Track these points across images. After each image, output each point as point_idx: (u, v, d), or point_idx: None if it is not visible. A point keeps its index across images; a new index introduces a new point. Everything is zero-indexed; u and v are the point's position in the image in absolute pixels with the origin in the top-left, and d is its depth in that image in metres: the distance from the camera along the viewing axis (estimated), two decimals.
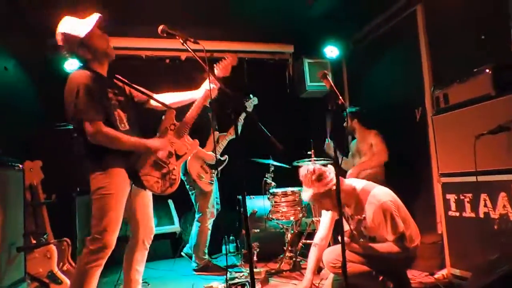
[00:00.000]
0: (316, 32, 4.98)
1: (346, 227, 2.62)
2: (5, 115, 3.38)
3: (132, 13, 4.27)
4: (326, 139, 4.14)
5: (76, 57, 2.48)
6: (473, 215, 2.82)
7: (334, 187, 2.55)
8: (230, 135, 3.98)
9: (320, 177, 2.55)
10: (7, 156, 2.65)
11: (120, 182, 2.39)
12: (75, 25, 2.37)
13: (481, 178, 2.66)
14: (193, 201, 3.97)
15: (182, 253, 4.13)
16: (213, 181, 3.80)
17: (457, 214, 2.98)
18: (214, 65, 2.84)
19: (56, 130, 3.90)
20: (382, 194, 2.58)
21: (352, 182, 2.69)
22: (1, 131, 3.24)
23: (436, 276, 3.15)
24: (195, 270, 3.93)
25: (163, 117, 2.73)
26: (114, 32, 4.66)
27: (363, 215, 2.53)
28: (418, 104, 4.03)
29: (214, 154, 3.80)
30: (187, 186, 3.89)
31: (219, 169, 3.89)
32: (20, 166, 2.79)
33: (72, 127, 2.51)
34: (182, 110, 2.83)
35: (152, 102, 2.74)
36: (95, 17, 2.40)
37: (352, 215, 2.64)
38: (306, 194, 2.60)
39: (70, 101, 2.31)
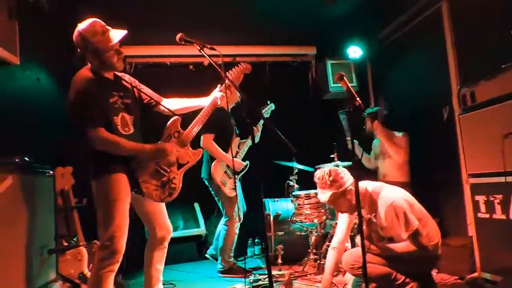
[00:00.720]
0: (338, 32, 4.92)
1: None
2: (37, 124, 3.55)
3: (157, 21, 4.39)
4: (347, 138, 4.04)
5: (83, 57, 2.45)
6: (503, 217, 2.72)
7: (349, 188, 2.55)
8: (250, 141, 3.98)
9: (335, 178, 2.56)
10: (38, 163, 2.77)
11: (123, 187, 2.37)
12: (97, 30, 2.32)
13: (510, 179, 2.55)
14: (220, 206, 4.01)
15: (207, 255, 4.18)
16: (235, 187, 3.82)
17: (487, 216, 2.88)
18: (227, 72, 2.82)
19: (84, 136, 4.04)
20: (392, 192, 2.56)
21: (362, 184, 2.66)
22: (33, 139, 3.40)
23: (465, 280, 3.05)
24: (220, 272, 3.98)
25: (168, 123, 2.70)
26: (138, 40, 4.89)
27: (373, 214, 2.50)
28: (445, 103, 3.91)
29: (238, 160, 3.84)
30: (212, 192, 3.94)
31: (241, 174, 3.92)
32: (51, 172, 2.92)
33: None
34: (188, 116, 2.82)
35: (160, 107, 2.74)
36: (119, 34, 2.36)
37: (365, 220, 2.60)
38: (323, 196, 2.61)
39: (70, 106, 2.31)
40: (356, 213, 2.67)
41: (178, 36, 2.31)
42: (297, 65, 5.56)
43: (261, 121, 3.92)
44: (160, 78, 4.80)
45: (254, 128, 3.90)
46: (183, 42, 2.31)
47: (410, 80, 4.56)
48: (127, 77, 2.64)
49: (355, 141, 4.05)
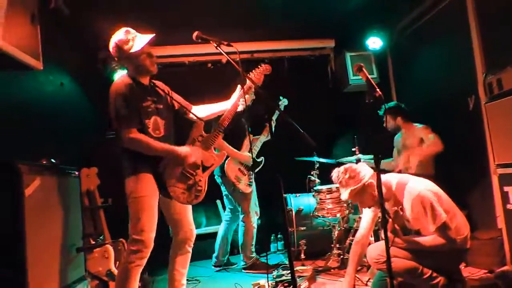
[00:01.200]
0: (357, 24, 4.82)
1: None
2: (62, 127, 3.66)
3: (173, 20, 4.42)
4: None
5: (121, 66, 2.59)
6: None
7: (369, 181, 2.51)
8: (264, 136, 4.04)
9: (351, 175, 2.53)
10: (64, 165, 2.86)
11: (150, 186, 2.51)
12: (128, 39, 2.51)
13: None
14: (227, 203, 4.15)
15: (213, 265, 4.25)
16: (251, 183, 3.88)
17: None
18: (248, 74, 2.88)
19: (108, 138, 4.15)
20: (418, 184, 2.49)
21: (386, 177, 2.61)
22: (60, 141, 3.51)
23: (495, 273, 2.96)
24: (243, 268, 4.03)
25: (192, 128, 2.82)
26: (155, 41, 4.95)
27: (400, 206, 2.45)
28: (471, 92, 3.78)
29: (251, 155, 3.90)
30: (224, 190, 4.03)
31: (256, 170, 3.98)
32: (77, 173, 3.01)
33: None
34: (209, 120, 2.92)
35: (190, 113, 2.86)
36: (148, 37, 2.53)
37: (391, 212, 2.55)
38: (344, 194, 2.58)
39: (110, 108, 2.52)
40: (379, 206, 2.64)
41: (195, 34, 2.31)
42: (316, 59, 5.48)
43: (275, 116, 3.97)
44: (179, 77, 4.84)
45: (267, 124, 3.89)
46: (199, 40, 2.32)
47: (432, 70, 4.44)
48: (160, 84, 2.79)
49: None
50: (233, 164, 3.87)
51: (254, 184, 4.04)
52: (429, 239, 2.41)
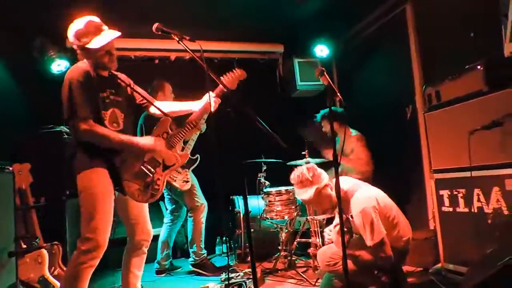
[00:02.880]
0: (306, 31, 4.98)
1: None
2: None
3: (124, 13, 4.20)
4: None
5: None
6: (466, 210, 2.86)
7: (328, 183, 2.57)
8: (196, 134, 3.98)
9: (315, 173, 2.55)
10: None
11: (106, 181, 2.37)
12: (88, 31, 2.32)
13: (475, 174, 2.69)
14: (168, 205, 4.12)
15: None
16: (188, 179, 3.85)
17: (451, 209, 3.01)
18: (222, 76, 2.79)
19: (43, 133, 3.82)
20: (364, 198, 2.52)
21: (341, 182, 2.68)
22: None
23: (430, 271, 3.18)
24: (192, 265, 3.95)
25: (157, 123, 2.69)
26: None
27: (350, 214, 2.51)
28: (408, 101, 4.07)
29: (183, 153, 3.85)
30: (164, 190, 3.93)
31: (191, 168, 3.97)
32: (10, 168, 2.72)
33: (59, 129, 2.47)
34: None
35: (151, 108, 2.71)
36: (110, 35, 2.35)
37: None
38: (306, 194, 2.56)
39: (64, 97, 2.32)
40: (336, 211, 2.70)
41: (155, 26, 2.20)
42: (265, 62, 5.56)
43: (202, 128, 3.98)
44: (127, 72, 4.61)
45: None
46: (160, 33, 2.21)
47: (374, 79, 4.71)
48: (122, 76, 2.63)
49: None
50: None
51: (195, 179, 4.01)
52: (368, 254, 2.49)
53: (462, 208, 2.91)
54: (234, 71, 2.90)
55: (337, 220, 2.63)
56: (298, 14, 4.68)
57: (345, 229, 2.61)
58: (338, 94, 2.11)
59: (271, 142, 1.88)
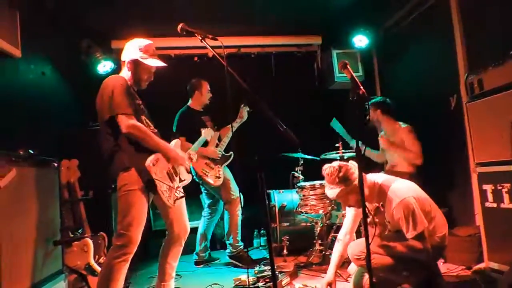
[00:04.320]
0: (344, 21, 4.86)
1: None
2: (44, 117, 3.58)
3: (159, 12, 4.37)
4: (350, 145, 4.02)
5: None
6: (511, 206, 2.67)
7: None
8: (231, 131, 4.07)
9: (346, 174, 2.49)
10: (43, 155, 2.79)
11: (140, 179, 2.46)
12: (147, 51, 2.66)
13: None
14: (205, 199, 4.26)
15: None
16: (219, 175, 3.96)
17: (495, 205, 2.84)
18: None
19: (91, 129, 4.08)
20: (402, 189, 2.47)
21: (372, 177, 2.61)
22: (40, 132, 3.43)
23: (473, 269, 3.02)
24: (229, 256, 4.06)
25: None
26: (140, 32, 4.86)
27: (381, 203, 2.45)
28: (453, 91, 3.84)
29: (218, 150, 4.04)
30: (201, 187, 4.16)
31: (224, 164, 4.08)
32: (56, 164, 2.94)
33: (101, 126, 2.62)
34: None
35: None
36: (159, 63, 2.70)
37: (372, 210, 2.57)
38: (331, 192, 2.54)
39: (106, 97, 2.49)
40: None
41: (180, 26, 2.28)
42: (303, 55, 5.50)
43: (246, 109, 4.05)
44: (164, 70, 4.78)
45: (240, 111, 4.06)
46: (184, 33, 2.28)
47: (416, 69, 4.49)
48: None
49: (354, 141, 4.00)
50: (199, 159, 3.92)
51: (230, 174, 4.12)
52: (404, 246, 2.41)
53: (507, 204, 2.73)
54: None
55: None
56: (336, 4, 4.57)
57: (376, 220, 2.57)
58: (361, 87, 2.04)
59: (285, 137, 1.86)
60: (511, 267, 2.43)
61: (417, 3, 4.26)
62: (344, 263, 3.44)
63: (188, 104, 4.21)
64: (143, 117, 2.65)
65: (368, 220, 2.57)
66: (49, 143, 3.43)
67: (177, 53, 5.15)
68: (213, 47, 2.25)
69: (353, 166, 2.55)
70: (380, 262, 2.42)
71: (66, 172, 3.29)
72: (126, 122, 2.44)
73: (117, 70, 4.56)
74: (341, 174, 2.49)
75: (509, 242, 2.70)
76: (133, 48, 2.67)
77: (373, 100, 3.99)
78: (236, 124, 4.07)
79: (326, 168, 2.59)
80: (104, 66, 4.61)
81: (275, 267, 3.26)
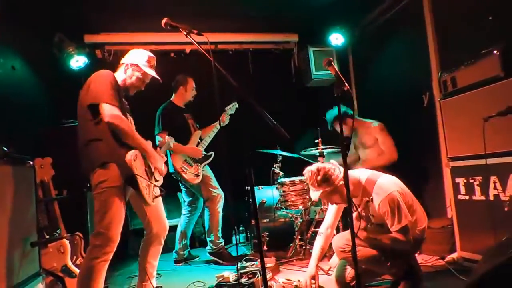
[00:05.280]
0: (320, 20, 4.93)
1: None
2: (14, 114, 3.42)
3: (137, 7, 4.27)
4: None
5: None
6: (483, 198, 2.82)
7: (341, 183, 2.53)
8: (213, 132, 4.14)
9: (326, 176, 2.52)
10: (17, 154, 2.67)
11: (119, 176, 2.42)
12: (149, 62, 2.76)
13: (491, 161, 2.64)
14: (185, 197, 4.23)
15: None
16: (198, 174, 3.95)
17: (467, 197, 2.98)
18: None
19: (64, 127, 3.95)
20: (388, 183, 2.53)
21: (356, 173, 2.66)
22: (11, 129, 3.28)
23: (446, 260, 3.15)
24: (210, 254, 4.04)
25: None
26: (118, 27, 4.75)
27: (371, 197, 2.50)
28: (425, 88, 3.99)
29: (195, 148, 4.03)
30: (181, 184, 4.15)
31: (204, 163, 4.07)
32: (31, 162, 2.82)
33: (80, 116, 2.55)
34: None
35: None
36: (154, 74, 2.79)
37: (359, 205, 2.63)
38: (315, 194, 2.57)
39: (93, 86, 2.48)
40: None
41: (164, 21, 2.23)
42: (280, 53, 5.53)
43: (230, 111, 4.10)
44: None
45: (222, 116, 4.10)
46: (168, 27, 2.24)
47: (390, 67, 4.63)
48: None
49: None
50: (178, 156, 3.97)
51: (210, 171, 4.12)
52: (389, 238, 2.47)
53: (478, 196, 2.87)
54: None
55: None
56: (313, 3, 4.62)
57: (363, 214, 2.63)
58: (346, 84, 2.09)
59: (275, 132, 1.88)
60: (484, 256, 2.55)
61: (392, 3, 4.38)
62: (324, 256, 3.53)
63: (171, 99, 4.17)
64: (128, 116, 2.63)
65: (355, 214, 2.63)
66: (21, 141, 3.29)
67: (153, 49, 5.04)
68: (199, 43, 2.21)
69: (332, 166, 2.59)
70: (364, 254, 2.48)
71: (40, 171, 3.17)
72: (110, 111, 2.40)
73: (90, 65, 4.48)
74: (320, 176, 2.52)
75: (480, 232, 2.85)
76: (138, 55, 2.74)
77: (331, 118, 4.03)
78: (215, 129, 4.11)
79: (306, 173, 2.62)
80: (77, 61, 4.46)
81: (255, 264, 3.31)
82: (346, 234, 2.67)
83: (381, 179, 2.56)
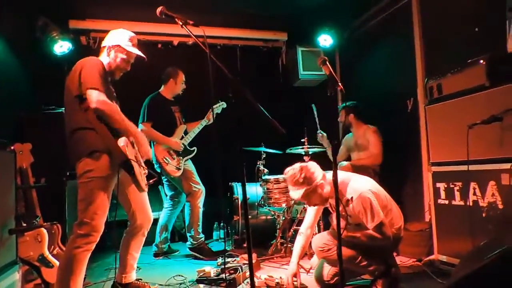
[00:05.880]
0: (310, 20, 4.96)
1: None
2: None
3: None
4: (318, 131, 4.13)
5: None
6: (462, 203, 2.89)
7: (320, 182, 2.58)
8: (198, 128, 4.12)
9: (307, 175, 2.55)
10: None
11: (108, 166, 2.40)
12: (131, 41, 2.68)
13: (472, 168, 2.71)
14: (167, 190, 4.19)
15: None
16: (180, 167, 3.93)
17: (447, 202, 3.05)
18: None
19: (45, 113, 3.84)
20: (359, 184, 2.59)
21: (331, 175, 2.71)
22: None
23: (423, 261, 3.23)
24: (190, 249, 4.01)
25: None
26: (105, 14, 4.64)
27: (351, 196, 2.53)
28: (410, 94, 4.07)
29: (181, 143, 4.00)
30: (162, 177, 4.08)
31: (186, 158, 4.05)
32: (12, 147, 2.73)
33: (61, 110, 2.52)
34: None
35: None
36: (140, 53, 2.71)
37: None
38: (296, 193, 2.59)
39: (79, 72, 2.41)
40: (325, 204, 2.74)
41: (159, 9, 2.19)
42: (268, 51, 5.54)
43: (216, 110, 4.12)
44: None
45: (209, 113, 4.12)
46: (163, 16, 2.20)
47: (377, 71, 4.69)
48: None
49: (322, 132, 4.13)
50: (161, 148, 3.95)
51: (192, 166, 4.08)
52: (367, 235, 2.51)
53: (457, 201, 2.94)
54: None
55: None
56: (303, 3, 4.64)
57: (343, 214, 2.66)
58: (340, 84, 2.11)
59: (270, 127, 1.88)
60: (461, 261, 2.63)
61: (381, 8, 4.45)
62: (305, 255, 3.56)
63: (160, 90, 4.11)
64: (114, 102, 2.57)
65: (334, 214, 2.66)
66: (0, 126, 3.18)
67: (140, 39, 4.93)
68: (191, 33, 2.19)
69: (313, 166, 2.64)
70: (344, 253, 2.50)
71: (19, 157, 3.07)
72: (97, 97, 2.35)
73: (74, 52, 4.36)
74: (302, 175, 2.55)
75: (458, 236, 2.92)
76: (119, 36, 2.65)
77: (347, 104, 4.12)
78: (200, 126, 4.10)
79: (288, 171, 2.65)
80: (61, 47, 4.33)
81: (237, 259, 3.31)
82: (326, 234, 2.72)
83: (353, 180, 2.62)
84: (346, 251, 2.56)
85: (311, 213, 2.93)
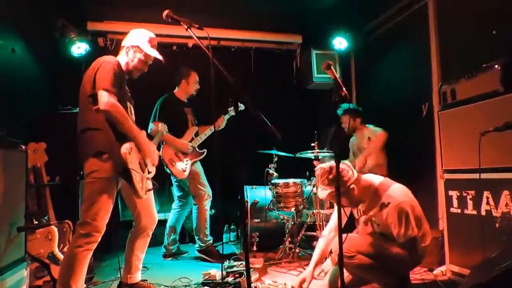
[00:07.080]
0: (325, 23, 4.93)
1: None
2: (11, 97, 3.40)
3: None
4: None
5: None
6: (475, 212, 2.80)
7: (352, 186, 2.49)
8: (210, 130, 4.09)
9: (335, 176, 2.48)
10: (11, 137, 2.65)
11: (112, 168, 2.41)
12: (150, 42, 2.70)
13: (485, 176, 2.62)
14: (176, 191, 4.19)
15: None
16: (186, 169, 3.92)
17: (459, 211, 2.96)
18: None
19: (62, 113, 3.93)
20: (399, 193, 2.49)
21: (369, 177, 2.61)
22: (7, 112, 3.26)
23: (435, 272, 3.14)
24: (198, 251, 4.02)
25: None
26: (121, 16, 4.72)
27: (387, 201, 2.43)
28: (425, 99, 3.98)
29: (191, 145, 3.98)
30: (172, 177, 4.09)
31: (196, 159, 4.03)
32: (23, 147, 2.80)
33: (77, 110, 2.56)
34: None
35: None
36: (159, 56, 2.71)
37: (364, 211, 2.59)
38: (323, 193, 2.52)
39: (95, 71, 2.44)
40: (358, 206, 2.65)
41: (165, 13, 2.22)
42: (282, 53, 5.52)
43: (229, 114, 4.09)
44: None
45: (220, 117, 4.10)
46: (169, 20, 2.23)
47: (392, 74, 4.61)
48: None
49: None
50: (169, 149, 3.94)
51: (201, 168, 4.07)
52: (396, 251, 2.41)
53: (470, 210, 2.85)
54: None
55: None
56: (318, 5, 4.61)
57: (373, 220, 2.59)
58: (344, 89, 2.07)
59: (268, 133, 1.86)
60: (472, 270, 2.54)
61: (397, 11, 4.36)
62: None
63: (173, 91, 4.14)
64: (128, 104, 2.62)
65: (363, 218, 2.61)
66: (16, 125, 3.27)
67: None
68: (200, 38, 2.20)
69: (346, 167, 2.54)
70: (362, 261, 2.43)
71: (33, 156, 3.14)
72: (106, 99, 2.35)
73: (92, 53, 4.45)
74: (331, 175, 2.48)
75: (470, 246, 2.83)
76: (138, 36, 2.68)
77: (351, 108, 4.06)
78: (209, 130, 4.08)
79: (317, 169, 2.59)
80: (78, 48, 4.43)
81: (243, 263, 3.29)
82: (350, 238, 2.59)
83: (393, 187, 2.52)
84: (365, 260, 2.47)
85: (335, 216, 2.84)
